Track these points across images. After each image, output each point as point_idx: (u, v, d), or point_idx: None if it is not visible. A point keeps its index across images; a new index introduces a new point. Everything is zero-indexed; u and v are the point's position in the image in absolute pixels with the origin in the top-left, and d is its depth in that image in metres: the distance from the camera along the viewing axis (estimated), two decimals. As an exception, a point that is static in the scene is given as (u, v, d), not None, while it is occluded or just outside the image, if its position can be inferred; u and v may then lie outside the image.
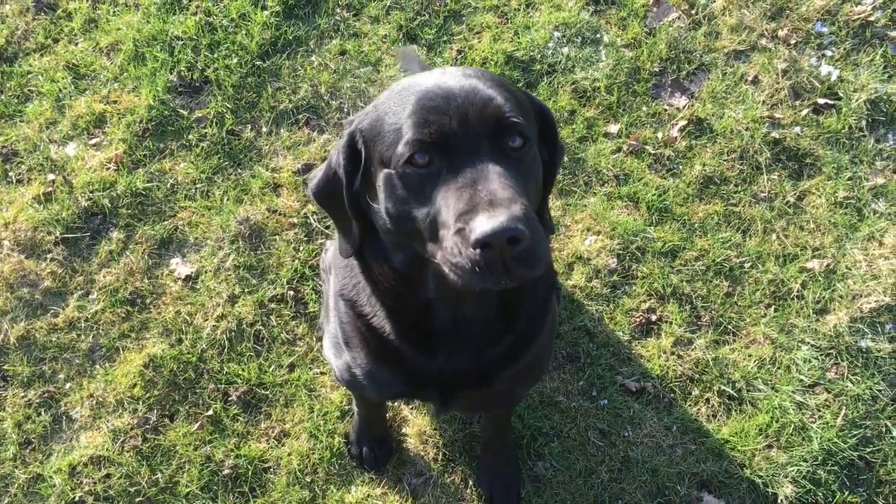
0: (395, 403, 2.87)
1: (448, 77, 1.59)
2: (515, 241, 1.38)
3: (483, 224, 1.37)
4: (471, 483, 2.75)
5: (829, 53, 3.50)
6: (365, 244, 1.79)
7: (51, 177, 3.33)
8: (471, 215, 1.41)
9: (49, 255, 3.17)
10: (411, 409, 2.88)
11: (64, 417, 2.89)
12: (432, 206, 1.51)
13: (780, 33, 3.55)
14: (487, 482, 2.72)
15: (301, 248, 3.16)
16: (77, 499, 2.73)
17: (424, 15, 3.69)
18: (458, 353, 1.90)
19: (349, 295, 1.96)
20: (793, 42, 3.53)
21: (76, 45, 3.72)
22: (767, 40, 3.55)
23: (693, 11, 3.64)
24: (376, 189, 1.62)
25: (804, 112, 3.37)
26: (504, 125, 1.54)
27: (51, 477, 2.76)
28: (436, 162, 1.52)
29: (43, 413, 2.89)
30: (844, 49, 3.49)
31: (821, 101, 3.38)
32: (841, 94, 3.38)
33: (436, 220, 1.50)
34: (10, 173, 3.38)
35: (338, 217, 1.80)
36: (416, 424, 2.85)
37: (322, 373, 2.93)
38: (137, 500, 2.73)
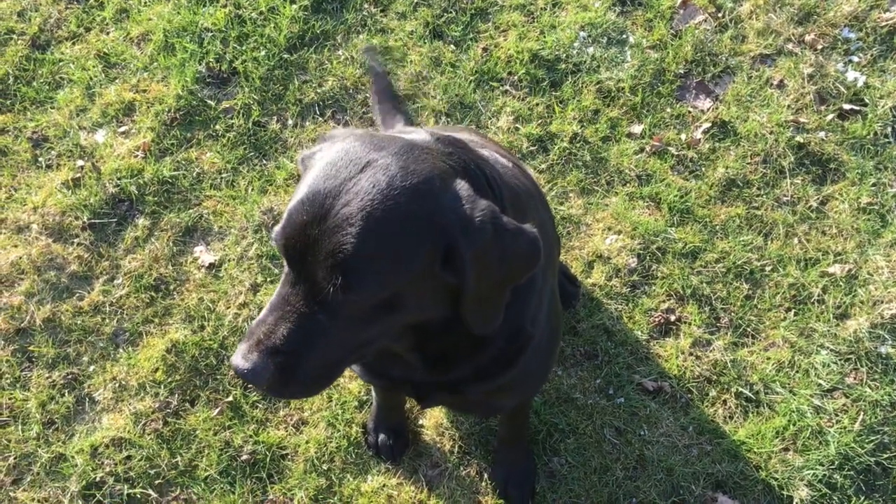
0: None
1: (336, 192, 1.44)
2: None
3: (236, 357, 1.52)
4: (486, 476, 2.77)
5: (855, 59, 3.50)
6: None
7: (80, 163, 3.39)
8: (247, 333, 1.54)
9: (76, 240, 3.22)
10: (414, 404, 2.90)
11: (87, 399, 2.94)
12: None
13: (807, 38, 3.55)
14: (502, 476, 2.74)
15: (323, 240, 3.18)
16: (98, 479, 2.77)
17: (451, 12, 3.71)
18: (409, 369, 1.90)
19: None
20: (819, 47, 3.53)
21: (107, 34, 3.78)
22: (794, 45, 3.55)
23: (720, 14, 3.64)
24: None
25: (829, 117, 3.36)
26: (333, 282, 1.43)
27: (73, 457, 2.81)
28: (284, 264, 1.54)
29: (66, 394, 2.93)
30: (871, 55, 3.48)
31: (846, 106, 3.38)
32: (867, 100, 3.38)
33: None
34: (40, 158, 3.43)
35: None
36: (433, 416, 2.87)
37: (341, 363, 2.96)
38: (157, 482, 2.77)
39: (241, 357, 1.49)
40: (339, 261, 1.40)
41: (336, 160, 1.49)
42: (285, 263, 1.50)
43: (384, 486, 2.75)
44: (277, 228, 1.49)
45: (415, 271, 1.48)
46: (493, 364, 1.88)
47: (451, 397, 2.04)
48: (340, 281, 1.41)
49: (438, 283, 1.53)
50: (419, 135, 1.64)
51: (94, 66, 3.65)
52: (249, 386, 1.51)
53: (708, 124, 3.38)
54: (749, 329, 2.99)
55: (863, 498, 2.67)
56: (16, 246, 3.21)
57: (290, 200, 1.50)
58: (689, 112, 3.44)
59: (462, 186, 1.51)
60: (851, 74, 3.44)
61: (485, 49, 3.62)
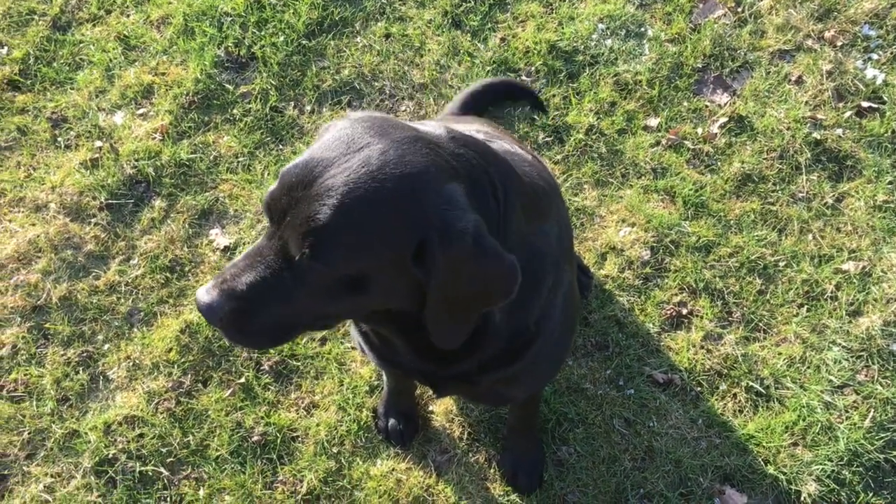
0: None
1: (326, 163, 1.48)
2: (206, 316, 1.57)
3: (201, 290, 1.57)
4: (494, 463, 2.78)
5: (875, 57, 3.48)
6: None
7: (98, 144, 3.41)
8: (217, 275, 1.59)
9: (93, 220, 3.25)
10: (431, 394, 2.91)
11: (101, 377, 2.97)
12: None
13: (827, 35, 3.53)
14: (511, 463, 2.75)
15: (338, 225, 3.20)
16: (111, 456, 2.80)
17: (470, 2, 3.72)
18: (417, 359, 1.90)
19: None
20: (839, 44, 3.51)
21: (128, 16, 3.80)
22: (813, 41, 3.54)
23: (739, 9, 3.63)
24: None
25: (847, 114, 3.35)
26: (302, 246, 1.46)
27: (86, 433, 2.84)
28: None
29: (81, 372, 2.96)
30: (891, 53, 3.46)
31: (864, 104, 3.36)
32: (885, 98, 3.36)
33: None
34: (59, 139, 3.46)
35: None
36: (443, 403, 2.88)
37: (353, 348, 2.97)
38: (169, 460, 2.80)
39: (204, 291, 1.55)
40: (312, 228, 1.43)
41: (339, 136, 1.52)
42: (266, 218, 1.57)
43: (393, 470, 2.77)
44: (268, 191, 1.55)
45: (384, 257, 1.49)
46: (496, 359, 1.89)
47: (463, 387, 2.05)
48: (309, 248, 1.44)
49: (408, 277, 1.52)
50: (435, 129, 1.63)
51: (113, 48, 3.68)
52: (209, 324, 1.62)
53: (725, 119, 3.38)
54: (761, 324, 2.99)
55: (871, 494, 2.67)
56: (34, 224, 3.24)
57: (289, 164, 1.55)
58: (707, 106, 3.44)
59: (456, 191, 1.49)
60: (870, 72, 3.43)
61: (503, 39, 3.62)
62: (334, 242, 1.44)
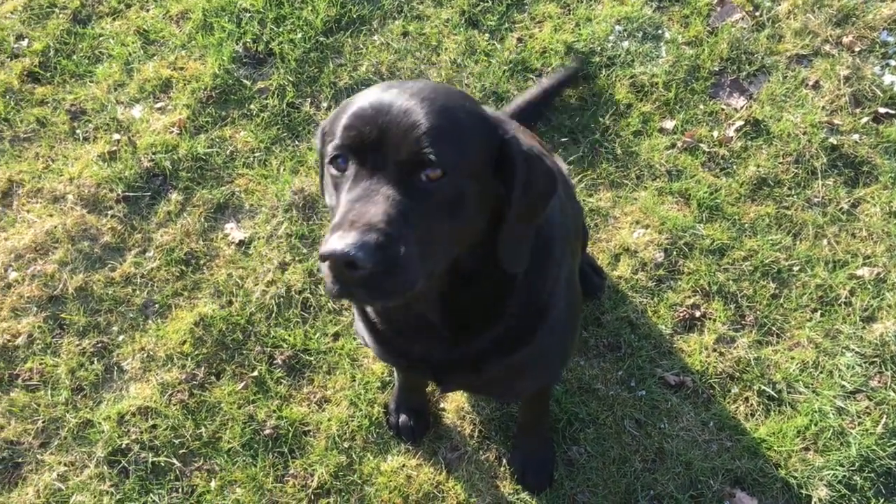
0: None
1: (395, 92, 1.55)
2: (352, 266, 1.38)
3: (331, 241, 1.38)
4: (504, 462, 2.79)
5: (893, 63, 3.47)
6: None
7: (116, 136, 3.44)
8: (334, 228, 1.43)
9: (110, 212, 3.27)
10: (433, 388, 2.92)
11: (115, 368, 2.99)
12: (336, 206, 1.55)
13: (845, 40, 3.52)
14: (521, 462, 2.76)
15: (352, 222, 3.22)
16: (124, 446, 2.82)
17: (487, 1, 3.73)
18: (431, 343, 1.91)
19: None
20: (857, 49, 3.50)
21: (147, 11, 3.83)
22: (831, 46, 3.53)
23: (757, 13, 3.63)
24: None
25: (864, 120, 3.34)
26: (419, 158, 1.48)
27: (100, 423, 2.86)
28: (350, 167, 1.54)
29: (96, 362, 2.99)
30: (910, 59, 3.45)
31: (882, 110, 3.36)
32: (903, 105, 3.36)
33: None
34: (78, 131, 3.49)
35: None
36: (454, 400, 2.89)
37: (365, 344, 2.98)
38: (181, 451, 2.82)
39: (336, 239, 1.38)
40: (417, 137, 1.47)
41: (390, 83, 1.61)
42: (353, 163, 1.52)
43: (403, 466, 2.78)
44: (338, 139, 1.53)
45: (476, 160, 1.56)
46: (511, 335, 1.90)
47: (471, 377, 2.04)
48: (421, 153, 1.47)
49: (489, 191, 1.61)
50: None
51: (133, 42, 3.71)
52: (339, 283, 1.44)
53: (741, 122, 3.37)
54: (774, 328, 2.98)
55: (882, 500, 2.66)
56: (51, 215, 3.27)
57: (342, 117, 1.55)
58: (723, 110, 3.44)
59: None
60: (888, 78, 3.42)
61: (519, 39, 3.63)
62: (439, 143, 1.48)
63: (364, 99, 1.56)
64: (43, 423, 2.87)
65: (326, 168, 1.61)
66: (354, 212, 1.43)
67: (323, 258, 1.40)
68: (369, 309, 1.97)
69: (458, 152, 1.51)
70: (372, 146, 1.50)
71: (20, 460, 2.81)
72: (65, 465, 2.80)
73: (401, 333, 1.95)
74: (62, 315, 3.07)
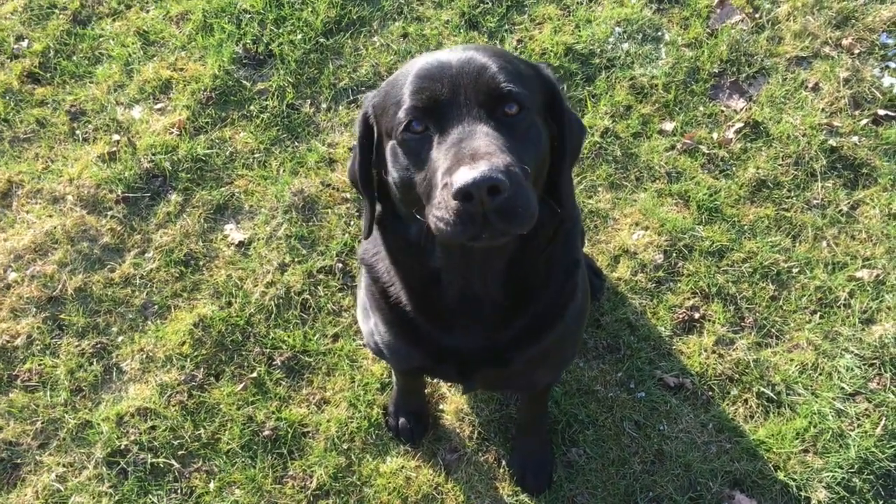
0: (434, 380, 2.92)
1: (448, 52, 1.65)
2: (495, 190, 1.40)
3: (464, 174, 1.40)
4: (504, 463, 2.79)
5: (892, 65, 3.47)
6: (387, 218, 1.84)
7: (116, 137, 3.44)
8: (454, 169, 1.45)
9: (110, 213, 3.27)
10: (449, 386, 2.92)
11: (114, 369, 2.99)
12: (427, 170, 1.56)
13: (844, 42, 3.53)
14: (520, 463, 2.76)
15: (352, 223, 3.22)
16: (122, 447, 2.82)
17: (487, 3, 3.73)
18: (472, 330, 1.91)
19: (368, 259, 2.02)
20: (856, 52, 3.51)
21: (147, 12, 3.83)
22: (831, 48, 3.53)
23: (757, 15, 3.63)
24: (386, 162, 1.69)
25: (863, 122, 3.34)
26: (497, 93, 1.57)
27: (98, 424, 2.86)
28: (431, 128, 1.58)
29: (95, 363, 2.99)
30: (909, 61, 3.46)
31: (881, 112, 3.36)
32: (902, 107, 3.36)
33: (430, 182, 1.55)
34: (78, 131, 3.49)
35: (363, 196, 1.86)
36: (453, 402, 2.89)
37: (364, 345, 2.99)
38: (180, 452, 2.82)
39: (467, 172, 1.40)
40: (491, 75, 1.57)
41: (430, 52, 1.70)
42: (431, 122, 1.58)
43: (403, 467, 2.78)
44: (409, 102, 1.59)
45: (539, 101, 1.67)
46: (535, 325, 1.93)
47: (494, 371, 2.03)
48: (499, 88, 1.56)
49: (549, 128, 1.70)
50: None
51: (133, 43, 3.71)
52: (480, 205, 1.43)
53: (740, 124, 3.37)
54: (773, 330, 2.98)
55: (881, 502, 2.66)
56: (51, 216, 3.27)
57: (403, 85, 1.62)
58: (722, 111, 3.44)
59: None
60: (888, 80, 3.42)
61: (519, 41, 3.63)
62: (515, 82, 1.58)
63: (421, 64, 1.63)
64: (42, 423, 2.87)
65: (397, 139, 1.63)
66: (467, 149, 1.47)
67: (461, 193, 1.40)
68: (408, 306, 1.93)
69: (526, 89, 1.61)
70: (447, 102, 1.56)
71: (19, 461, 2.81)
72: (63, 466, 2.79)
73: (444, 322, 1.93)
74: (61, 316, 3.07)
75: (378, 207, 1.84)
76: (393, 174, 1.66)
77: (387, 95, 1.68)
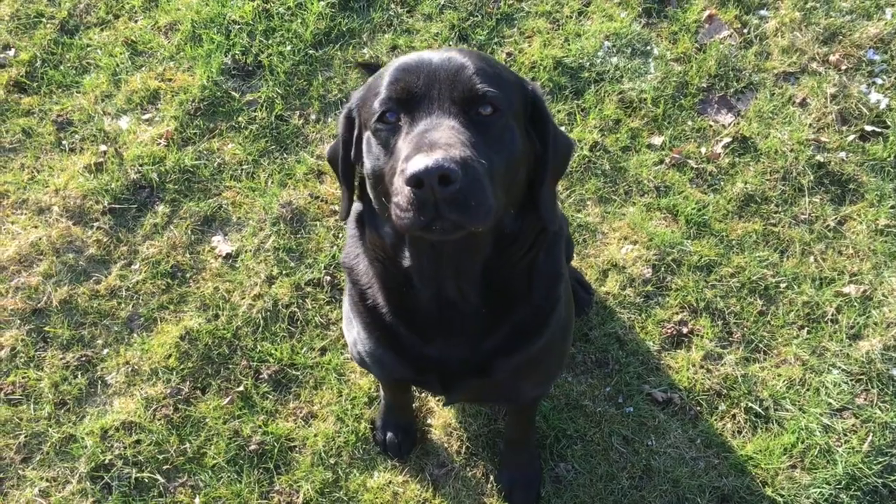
0: (422, 394, 2.91)
1: (431, 51, 1.67)
2: (446, 179, 1.40)
3: (417, 162, 1.40)
4: (492, 478, 2.77)
5: (879, 81, 3.50)
6: (366, 215, 1.85)
7: (103, 148, 3.42)
8: (411, 156, 1.45)
9: (96, 224, 3.24)
10: (437, 400, 2.91)
11: (99, 382, 2.96)
12: (392, 158, 1.58)
13: (832, 58, 3.55)
14: (508, 479, 2.74)
15: (340, 235, 3.21)
16: (107, 461, 2.79)
17: (477, 16, 3.73)
18: (453, 338, 1.90)
19: (349, 262, 2.02)
20: (843, 68, 3.53)
21: (136, 22, 3.82)
22: (818, 64, 3.56)
23: (745, 31, 3.65)
24: (362, 152, 1.71)
25: (850, 138, 3.36)
26: (472, 93, 1.59)
27: (83, 438, 2.83)
28: (402, 119, 1.60)
29: (79, 376, 2.96)
30: (895, 78, 3.48)
31: (868, 128, 3.38)
32: (889, 123, 3.38)
33: (393, 170, 1.55)
34: (64, 142, 3.46)
35: (340, 182, 1.89)
36: (441, 416, 2.88)
37: (350, 359, 2.97)
38: (165, 467, 2.79)
39: (422, 159, 1.40)
40: (468, 76, 1.59)
41: (427, 50, 1.77)
42: (404, 114, 1.59)
43: (390, 482, 2.76)
44: (384, 94, 1.60)
45: (517, 106, 1.67)
46: (519, 334, 1.93)
47: (478, 382, 2.02)
48: (475, 89, 1.57)
49: (528, 142, 1.70)
50: None
51: (121, 53, 3.69)
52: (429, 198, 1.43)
53: (728, 139, 3.39)
54: (761, 345, 2.99)
55: (868, 519, 2.67)
56: (36, 227, 3.24)
57: (381, 80, 1.63)
58: (711, 126, 3.45)
59: None
60: (874, 96, 3.45)
61: (509, 54, 3.64)
62: (491, 85, 1.59)
63: (403, 59, 1.65)
64: (25, 437, 2.83)
65: (371, 129, 1.65)
66: (428, 139, 1.49)
67: (412, 179, 1.41)
68: (385, 310, 1.92)
69: (504, 93, 1.62)
70: (421, 95, 1.58)
71: (1, 475, 2.78)
72: (47, 480, 2.76)
73: (422, 329, 1.91)
74: (46, 328, 3.04)
75: (357, 205, 1.88)
76: (366, 164, 1.68)
77: (368, 89, 1.71)
